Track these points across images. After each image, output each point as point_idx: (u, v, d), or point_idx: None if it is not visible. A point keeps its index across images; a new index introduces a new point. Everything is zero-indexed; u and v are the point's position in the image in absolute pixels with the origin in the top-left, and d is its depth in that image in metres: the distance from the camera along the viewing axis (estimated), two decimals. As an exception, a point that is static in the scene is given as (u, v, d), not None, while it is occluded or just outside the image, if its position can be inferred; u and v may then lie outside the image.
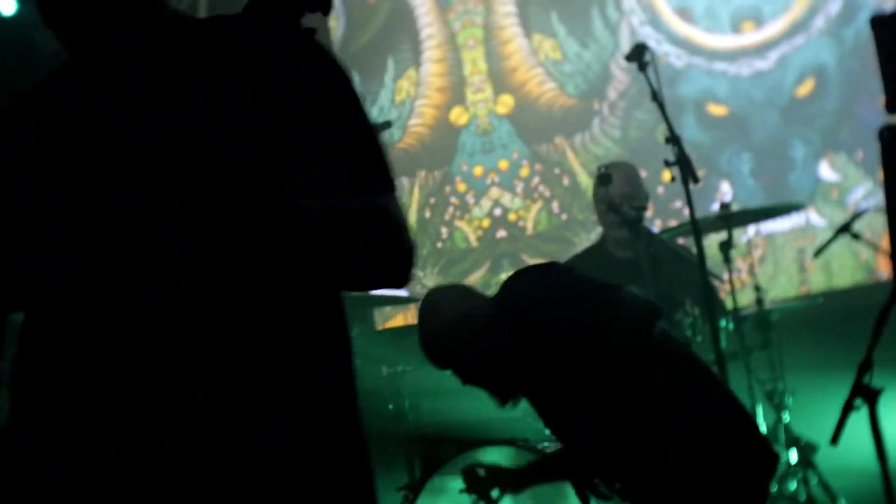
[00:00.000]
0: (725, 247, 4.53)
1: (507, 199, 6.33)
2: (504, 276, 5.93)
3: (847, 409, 2.58)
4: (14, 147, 1.55)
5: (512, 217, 6.33)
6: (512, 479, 3.39)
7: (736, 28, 6.05)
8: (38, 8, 1.57)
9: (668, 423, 2.91)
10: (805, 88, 5.95)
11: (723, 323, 4.35)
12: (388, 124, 4.80)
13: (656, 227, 5.68)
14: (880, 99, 1.94)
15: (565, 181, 6.27)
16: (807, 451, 4.49)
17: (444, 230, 6.40)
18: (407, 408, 4.23)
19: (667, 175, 3.99)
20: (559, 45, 6.30)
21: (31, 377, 1.53)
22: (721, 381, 3.09)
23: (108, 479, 1.49)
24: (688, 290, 4.11)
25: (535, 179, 6.31)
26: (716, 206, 4.71)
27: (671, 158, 3.93)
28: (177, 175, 1.46)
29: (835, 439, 2.60)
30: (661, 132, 4.05)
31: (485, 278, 6.25)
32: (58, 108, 1.56)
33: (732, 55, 6.04)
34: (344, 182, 1.61)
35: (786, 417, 4.52)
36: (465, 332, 3.10)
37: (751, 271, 5.30)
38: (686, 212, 4.02)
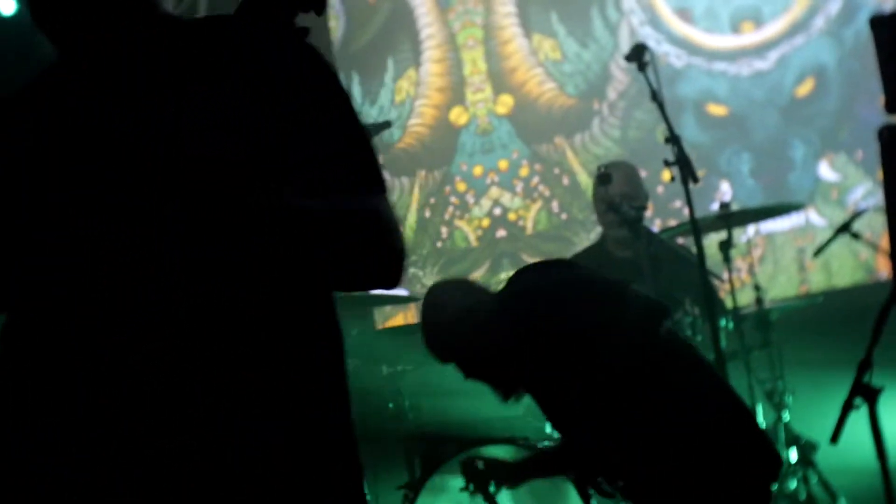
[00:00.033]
0: (725, 246, 4.54)
1: (506, 198, 6.34)
2: (504, 276, 5.93)
3: (847, 408, 2.59)
4: (14, 147, 1.55)
5: (512, 217, 6.33)
6: (510, 473, 3.36)
7: (735, 28, 6.06)
8: (28, 8, 1.57)
9: (670, 424, 2.90)
10: (805, 88, 5.95)
11: (722, 322, 4.35)
12: (387, 124, 4.81)
13: (656, 226, 5.69)
14: (880, 99, 1.95)
15: (565, 181, 6.27)
16: (807, 449, 4.49)
17: (443, 230, 6.41)
18: (407, 407, 4.24)
19: (666, 175, 3.99)
20: (559, 45, 6.30)
21: (24, 377, 1.52)
22: (725, 382, 3.07)
23: (108, 479, 1.49)
24: (687, 289, 4.12)
25: (535, 179, 6.31)
26: (715, 206, 4.72)
27: (671, 158, 3.94)
28: (177, 175, 1.46)
29: (835, 438, 2.60)
30: (661, 132, 4.06)
31: (485, 278, 6.26)
32: (58, 108, 1.56)
33: (732, 55, 6.05)
34: (339, 183, 1.62)
35: (786, 416, 4.53)
36: (468, 328, 3.09)
37: (750, 271, 5.31)
38: (686, 211, 4.02)
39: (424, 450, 4.02)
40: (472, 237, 6.37)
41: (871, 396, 2.57)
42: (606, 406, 2.92)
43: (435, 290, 3.29)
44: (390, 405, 4.26)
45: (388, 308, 6.24)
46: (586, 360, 2.92)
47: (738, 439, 2.93)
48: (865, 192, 5.81)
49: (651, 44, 5.59)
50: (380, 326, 6.12)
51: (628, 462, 2.97)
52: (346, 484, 1.64)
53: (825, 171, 5.91)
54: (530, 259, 6.18)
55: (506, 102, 6.38)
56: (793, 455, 4.42)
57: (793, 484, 4.35)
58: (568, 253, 5.41)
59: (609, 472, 2.98)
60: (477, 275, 6.31)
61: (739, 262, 5.66)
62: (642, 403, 2.90)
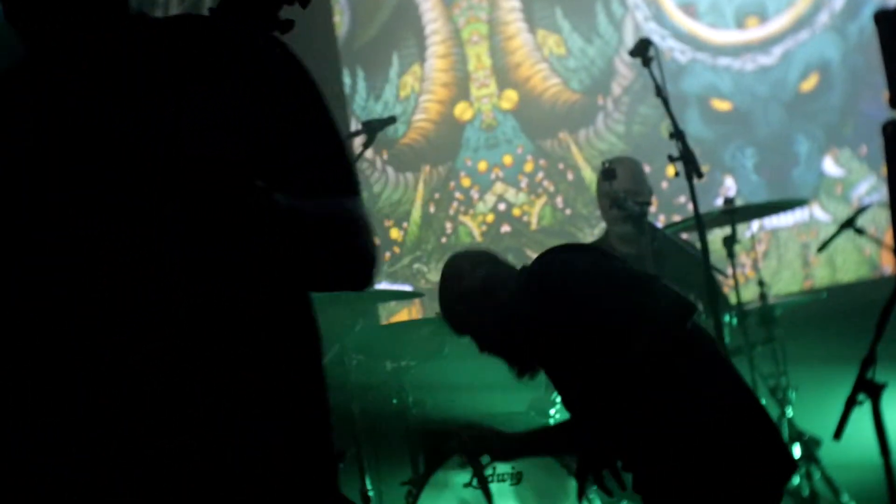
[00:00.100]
0: (729, 242, 4.54)
1: (511, 194, 6.34)
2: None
3: (850, 403, 2.59)
4: (14, 147, 1.55)
5: (516, 212, 6.33)
6: (505, 448, 3.26)
7: (740, 23, 6.05)
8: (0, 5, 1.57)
9: (686, 421, 2.83)
10: (809, 84, 5.95)
11: (726, 318, 4.36)
12: (392, 119, 4.80)
13: (660, 222, 5.69)
14: (884, 94, 1.95)
15: (569, 176, 6.27)
16: (810, 445, 4.49)
17: (448, 225, 6.41)
18: (410, 402, 4.24)
19: (670, 170, 3.99)
20: (563, 41, 6.30)
21: (24, 377, 1.52)
22: (743, 381, 3.01)
23: (108, 479, 1.49)
24: (691, 285, 4.11)
25: (540, 174, 6.31)
26: (720, 201, 4.72)
27: (675, 153, 3.94)
28: (177, 175, 1.47)
29: (838, 434, 2.60)
30: (665, 127, 4.06)
31: (489, 273, 6.25)
32: (58, 107, 1.56)
33: (736, 50, 6.04)
34: (317, 184, 1.63)
35: (789, 412, 4.53)
36: (485, 302, 3.02)
37: (754, 266, 5.31)
38: (690, 207, 4.02)
39: (427, 446, 4.02)
40: (476, 232, 6.37)
41: (874, 392, 2.57)
42: (621, 399, 2.87)
43: (455, 260, 3.20)
44: (394, 401, 4.26)
45: (392, 304, 6.24)
46: (605, 352, 2.85)
47: (753, 439, 2.88)
48: (870, 188, 5.80)
49: (655, 39, 5.57)
50: (384, 322, 6.12)
51: (641, 456, 2.94)
52: (333, 482, 1.66)
53: (829, 166, 5.90)
54: (534, 255, 6.18)
55: (510, 98, 6.38)
56: (796, 451, 4.42)
57: (796, 480, 4.35)
58: (572, 248, 5.40)
59: (613, 464, 2.93)
60: (481, 270, 6.30)
61: (743, 258, 5.66)
62: (658, 399, 2.84)
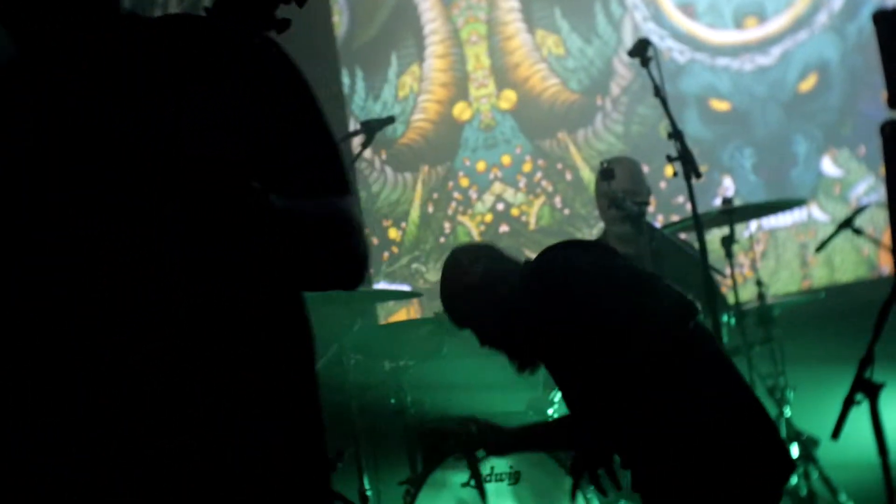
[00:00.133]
0: (727, 242, 4.54)
1: (509, 194, 6.34)
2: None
3: (848, 403, 2.59)
4: (14, 147, 1.55)
5: (514, 212, 6.33)
6: (502, 442, 3.24)
7: (739, 24, 6.05)
8: None
9: (686, 422, 2.82)
10: (807, 84, 5.95)
11: (724, 318, 4.36)
12: (391, 119, 4.80)
13: (658, 222, 5.69)
14: (882, 94, 1.95)
15: (568, 176, 6.27)
16: (808, 445, 4.50)
17: (446, 225, 6.41)
18: (409, 402, 4.24)
19: (669, 170, 4.00)
20: (562, 41, 6.30)
21: (24, 377, 1.52)
22: (745, 382, 2.99)
23: (108, 479, 1.49)
24: (690, 285, 4.11)
25: (538, 174, 6.32)
26: (718, 202, 4.72)
27: (673, 154, 3.94)
28: (177, 175, 1.47)
29: (836, 434, 2.60)
30: (664, 127, 4.06)
31: (487, 273, 6.26)
32: (58, 107, 1.56)
33: (735, 51, 6.05)
34: (311, 185, 1.64)
35: (787, 412, 4.53)
36: (486, 297, 3.02)
37: (753, 266, 5.31)
38: (688, 207, 4.02)
39: (426, 445, 4.02)
40: (474, 232, 6.37)
41: (872, 392, 2.57)
42: (621, 399, 2.86)
43: (457, 253, 3.19)
44: (392, 400, 4.26)
45: (390, 303, 6.24)
46: (606, 351, 2.84)
47: (753, 439, 2.87)
48: (868, 188, 5.81)
49: (654, 39, 5.58)
50: (382, 322, 6.13)
51: (640, 456, 2.93)
52: (328, 482, 1.66)
53: (828, 166, 5.91)
54: (533, 255, 6.18)
55: (509, 98, 6.38)
56: (794, 451, 4.43)
57: (794, 480, 4.36)
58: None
59: (609, 463, 2.92)
60: (479, 270, 6.30)
61: (742, 258, 5.67)
62: (658, 399, 2.83)
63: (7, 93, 1.58)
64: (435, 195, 6.44)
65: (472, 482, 3.52)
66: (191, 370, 1.52)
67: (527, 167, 6.33)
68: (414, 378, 4.37)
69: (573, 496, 2.95)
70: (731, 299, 4.58)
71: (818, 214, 5.89)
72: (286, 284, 1.64)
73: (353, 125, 6.26)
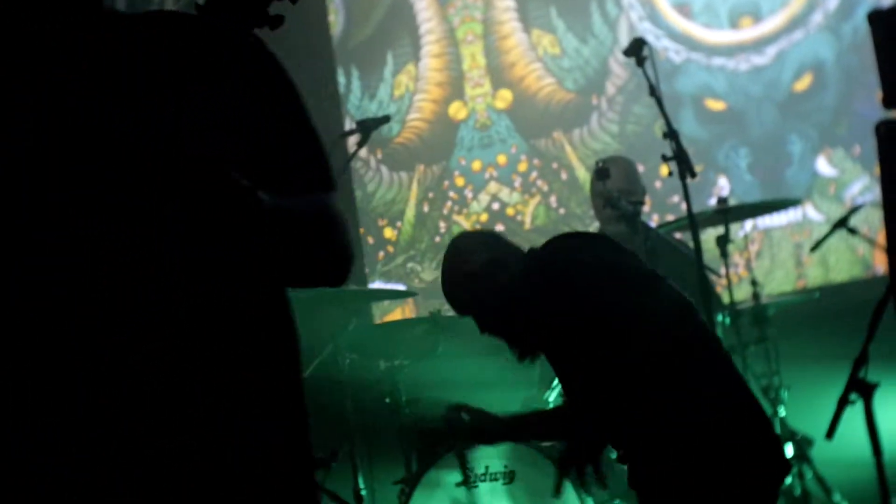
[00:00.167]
0: (722, 241, 4.55)
1: (505, 193, 6.34)
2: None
3: (842, 403, 2.59)
4: (14, 147, 1.55)
5: (510, 211, 6.33)
6: (493, 430, 3.24)
7: (734, 23, 6.06)
8: None
9: (686, 421, 2.80)
10: (803, 84, 5.96)
11: (719, 317, 4.37)
12: (386, 119, 4.80)
13: (654, 221, 5.69)
14: (877, 94, 1.95)
15: (563, 176, 6.27)
16: (802, 445, 4.51)
17: (442, 224, 6.41)
18: (404, 401, 4.24)
19: (664, 170, 4.00)
20: (558, 41, 6.30)
21: (24, 377, 1.52)
22: (744, 382, 2.98)
23: (108, 479, 1.49)
24: (685, 284, 4.11)
25: (534, 174, 6.32)
26: (713, 201, 4.72)
27: (668, 153, 3.94)
28: (177, 175, 1.47)
29: (830, 433, 2.60)
30: (659, 127, 4.06)
31: (482, 272, 6.25)
32: (58, 107, 1.56)
33: (730, 50, 6.05)
34: (302, 182, 1.65)
35: (781, 412, 4.54)
36: (487, 284, 3.00)
37: (748, 266, 5.32)
38: (683, 206, 4.03)
39: (421, 444, 4.02)
40: (470, 232, 6.37)
41: (866, 392, 2.57)
42: (621, 397, 2.84)
43: (460, 239, 3.17)
44: (387, 400, 4.26)
45: (386, 303, 6.24)
46: (605, 346, 2.82)
47: (753, 439, 2.86)
48: (863, 188, 5.81)
49: (650, 39, 5.58)
50: (377, 321, 6.12)
51: (640, 454, 2.92)
52: (315, 482, 1.68)
53: (823, 166, 5.91)
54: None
55: (504, 97, 6.38)
56: (788, 450, 4.43)
57: (788, 479, 4.36)
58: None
59: (598, 460, 2.90)
60: (475, 269, 6.30)
61: (737, 257, 5.67)
62: (658, 398, 2.81)
63: (7, 93, 1.58)
64: (430, 194, 6.44)
65: (465, 478, 3.51)
66: (191, 370, 1.52)
67: (522, 167, 6.33)
68: (409, 377, 4.36)
69: (557, 490, 2.94)
70: (725, 299, 4.58)
71: (813, 214, 5.89)
72: (276, 282, 1.65)
73: (348, 124, 6.26)
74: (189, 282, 1.53)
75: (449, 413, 3.28)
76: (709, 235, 4.71)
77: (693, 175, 3.93)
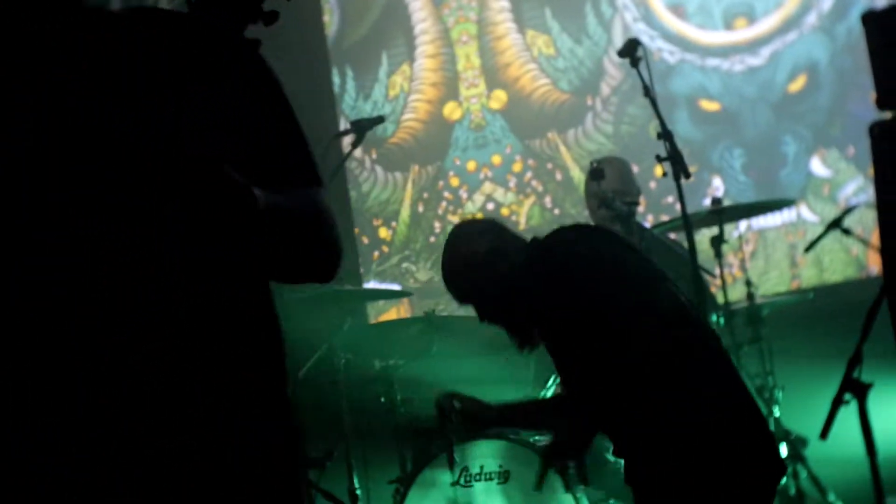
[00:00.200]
0: (717, 242, 4.55)
1: (499, 193, 6.34)
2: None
3: (837, 403, 2.59)
4: (14, 147, 1.55)
5: (504, 212, 6.34)
6: (482, 419, 3.24)
7: (728, 24, 6.07)
8: None
9: (685, 421, 2.79)
10: (797, 84, 5.97)
11: (713, 317, 4.37)
12: (381, 119, 4.80)
13: (648, 222, 5.70)
14: (871, 95, 1.96)
15: (558, 176, 6.28)
16: (797, 445, 4.51)
17: (436, 224, 6.41)
18: (399, 401, 4.24)
19: (658, 170, 4.00)
20: (552, 41, 6.31)
21: (24, 377, 1.52)
22: (742, 382, 2.97)
23: (108, 479, 1.49)
24: (679, 285, 4.12)
25: (528, 174, 6.32)
26: (708, 202, 4.73)
27: (663, 154, 3.94)
28: (177, 175, 1.47)
29: (824, 434, 2.61)
30: (654, 128, 4.07)
31: (477, 273, 6.26)
32: (58, 107, 1.56)
33: (725, 51, 6.06)
34: (291, 177, 1.65)
35: (776, 412, 4.54)
36: (488, 272, 2.98)
37: (742, 266, 5.32)
38: (678, 207, 4.03)
39: (415, 444, 4.03)
40: (464, 232, 6.37)
41: (860, 392, 2.57)
42: (620, 397, 2.83)
43: (462, 226, 3.15)
44: (382, 399, 4.26)
45: (380, 303, 6.24)
46: (603, 343, 2.82)
47: (753, 439, 2.86)
48: (857, 188, 5.83)
49: (644, 40, 5.59)
50: (372, 321, 6.12)
51: (639, 454, 2.91)
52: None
53: (817, 166, 5.92)
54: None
55: (499, 98, 6.38)
56: (783, 450, 4.44)
57: (783, 479, 4.37)
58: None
59: (582, 456, 2.89)
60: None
61: (731, 258, 5.68)
62: (656, 398, 2.80)
63: (7, 93, 1.58)
64: (425, 195, 6.44)
65: (462, 480, 3.51)
66: (191, 370, 1.52)
67: (517, 167, 6.33)
68: (404, 377, 4.36)
69: (540, 483, 2.95)
70: (720, 299, 4.59)
71: (807, 215, 5.90)
72: (265, 279, 1.65)
73: (343, 124, 6.26)
74: (189, 282, 1.53)
75: (441, 401, 3.29)
76: (703, 236, 4.72)
77: (687, 176, 3.93)
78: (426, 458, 3.88)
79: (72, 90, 1.57)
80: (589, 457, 3.74)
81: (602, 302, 2.84)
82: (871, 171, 2.12)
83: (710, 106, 6.08)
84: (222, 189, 1.48)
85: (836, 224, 4.99)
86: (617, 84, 6.17)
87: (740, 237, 5.30)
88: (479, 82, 6.41)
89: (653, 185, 5.87)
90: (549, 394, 4.03)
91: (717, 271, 4.52)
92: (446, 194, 6.41)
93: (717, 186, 5.95)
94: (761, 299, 4.76)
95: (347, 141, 5.11)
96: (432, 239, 6.40)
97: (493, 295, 3.02)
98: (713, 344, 2.99)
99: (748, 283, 4.71)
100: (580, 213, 6.04)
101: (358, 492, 4.31)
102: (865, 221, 5.46)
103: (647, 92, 3.99)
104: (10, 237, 1.52)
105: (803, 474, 4.53)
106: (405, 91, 6.49)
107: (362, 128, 4.63)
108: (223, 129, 1.57)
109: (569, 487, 3.00)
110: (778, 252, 5.95)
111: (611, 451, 3.71)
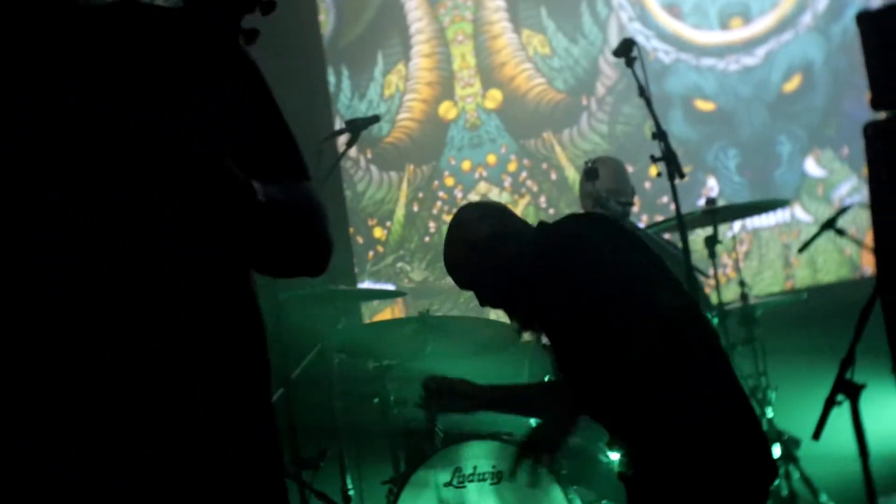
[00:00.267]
0: (711, 242, 4.56)
1: (494, 193, 6.34)
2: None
3: (829, 404, 2.60)
4: (14, 147, 1.55)
5: (499, 211, 6.33)
6: (468, 397, 3.22)
7: (724, 24, 6.07)
8: None
9: (683, 421, 2.77)
10: (792, 84, 5.97)
11: (707, 318, 4.37)
12: (376, 118, 4.80)
13: (642, 222, 5.70)
14: (866, 95, 1.95)
15: (553, 176, 6.28)
16: (789, 445, 4.51)
17: (431, 224, 6.41)
18: (392, 401, 4.23)
19: (653, 170, 4.01)
20: (548, 41, 6.30)
21: (24, 377, 1.52)
22: (738, 382, 2.95)
23: (107, 479, 1.49)
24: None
25: (523, 174, 6.32)
26: (702, 202, 4.73)
27: (658, 154, 3.94)
28: (177, 175, 1.47)
29: (817, 434, 2.61)
30: (649, 127, 4.07)
31: (472, 272, 6.25)
32: (58, 107, 1.56)
33: (720, 51, 6.06)
34: (280, 171, 1.66)
35: (769, 412, 4.54)
36: (491, 256, 2.93)
37: (736, 266, 5.33)
38: (672, 207, 4.03)
39: (409, 444, 4.02)
40: (459, 232, 6.36)
41: (853, 393, 2.58)
42: (620, 397, 2.82)
43: (466, 209, 3.09)
44: (376, 400, 4.25)
45: (375, 303, 6.24)
46: (604, 342, 2.79)
47: (750, 441, 2.85)
48: (851, 189, 5.83)
49: (640, 39, 5.60)
50: (367, 321, 6.12)
51: (639, 454, 2.89)
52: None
53: (811, 167, 5.93)
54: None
55: (494, 97, 6.38)
56: (776, 451, 4.44)
57: (776, 480, 4.37)
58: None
59: (556, 451, 2.88)
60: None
61: (725, 258, 5.68)
62: (656, 398, 2.79)
63: (7, 93, 1.58)
64: (420, 194, 6.43)
65: (455, 481, 3.51)
66: (191, 370, 1.52)
67: (512, 167, 6.33)
68: (398, 377, 4.36)
69: (514, 470, 2.95)
70: (714, 299, 4.59)
71: (801, 215, 5.91)
72: (250, 277, 1.65)
73: (338, 124, 6.25)
74: (189, 282, 1.54)
75: (428, 381, 3.27)
76: (697, 236, 4.72)
77: (682, 176, 3.93)
78: (420, 458, 3.87)
79: (72, 90, 1.57)
80: (581, 458, 3.75)
81: (603, 302, 2.81)
82: (865, 171, 2.11)
83: (704, 106, 6.08)
84: (223, 183, 1.48)
85: (830, 224, 4.99)
86: (612, 84, 6.16)
87: (734, 237, 5.31)
88: (475, 82, 6.41)
89: (647, 184, 5.87)
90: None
91: (710, 271, 4.52)
92: (441, 194, 6.40)
93: (712, 186, 5.95)
94: (755, 299, 4.76)
95: (342, 140, 5.10)
96: (427, 239, 6.39)
97: (493, 281, 2.97)
98: (713, 343, 2.97)
99: (742, 284, 4.71)
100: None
101: (351, 492, 4.31)
102: (859, 222, 5.46)
103: (642, 92, 3.99)
104: (10, 237, 1.52)
105: (796, 475, 4.53)
106: (400, 90, 6.49)
107: (357, 127, 4.63)
108: (222, 128, 1.57)
109: (535, 483, 3.01)
110: (772, 252, 5.96)
111: (604, 452, 3.72)
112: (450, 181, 6.40)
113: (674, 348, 2.80)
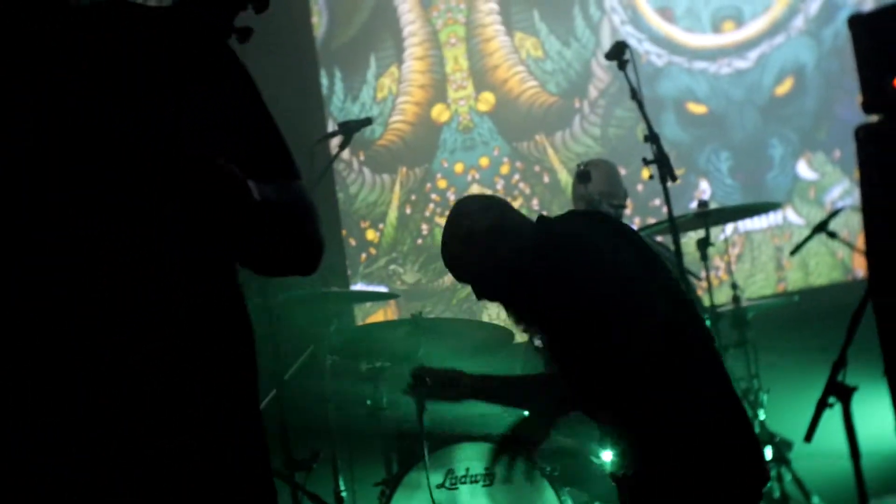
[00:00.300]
0: (703, 244, 4.56)
1: (487, 196, 6.34)
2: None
3: (821, 406, 2.60)
4: (14, 147, 1.55)
5: (492, 214, 6.33)
6: (456, 386, 3.22)
7: (716, 27, 6.08)
8: None
9: (681, 421, 2.76)
10: (784, 88, 5.99)
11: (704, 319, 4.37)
12: (369, 121, 4.80)
13: (635, 224, 5.71)
14: (858, 98, 1.96)
15: (545, 179, 6.28)
16: (781, 447, 4.52)
17: (424, 227, 6.41)
18: (385, 403, 4.23)
19: (645, 173, 4.01)
20: (541, 44, 6.31)
21: (24, 377, 1.52)
22: (731, 385, 2.95)
23: (107, 479, 1.50)
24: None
25: (516, 177, 6.32)
26: (694, 204, 4.74)
27: (650, 156, 3.95)
28: (177, 175, 1.47)
29: (809, 437, 2.62)
30: (641, 130, 4.08)
31: (464, 275, 6.25)
32: (58, 107, 1.56)
33: (712, 54, 6.07)
34: (272, 170, 1.66)
35: (761, 415, 4.55)
36: (487, 249, 2.91)
37: (728, 269, 5.33)
38: (664, 209, 4.04)
39: (401, 446, 4.02)
40: (452, 234, 6.36)
41: (845, 395, 2.59)
42: (620, 397, 2.82)
43: (464, 202, 3.07)
44: (368, 402, 4.25)
45: (367, 305, 6.24)
46: (604, 343, 2.78)
47: (748, 441, 2.85)
48: (843, 191, 5.84)
49: (632, 42, 5.62)
50: (359, 323, 6.12)
51: (638, 453, 2.89)
52: None
53: (803, 169, 5.94)
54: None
55: (487, 100, 6.38)
56: (768, 453, 4.45)
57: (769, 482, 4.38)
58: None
59: (534, 452, 2.90)
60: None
61: (717, 261, 5.69)
62: (653, 397, 2.78)
63: (7, 93, 1.58)
64: (413, 197, 6.44)
65: (447, 482, 3.52)
66: (190, 370, 1.53)
67: (504, 169, 6.33)
68: (390, 379, 4.36)
69: (493, 463, 2.96)
70: (706, 302, 4.60)
71: (793, 218, 5.92)
72: (236, 277, 1.66)
73: (331, 126, 6.25)
74: (189, 282, 1.54)
75: (416, 369, 3.27)
76: (689, 239, 4.73)
77: (674, 178, 3.94)
78: (412, 460, 3.87)
79: (71, 90, 1.57)
80: (574, 459, 3.76)
81: (602, 302, 2.80)
82: (856, 174, 2.12)
83: (697, 109, 6.09)
84: (222, 182, 1.48)
85: (821, 227, 5.00)
86: (604, 87, 6.17)
87: (726, 240, 5.30)
88: (468, 84, 6.42)
89: (640, 187, 5.88)
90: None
91: (703, 274, 4.53)
92: (434, 196, 6.40)
93: (704, 189, 5.96)
94: (747, 302, 4.77)
95: (335, 143, 5.10)
96: (420, 241, 6.39)
97: (490, 275, 2.95)
98: (710, 344, 2.98)
99: (734, 286, 4.72)
100: (567, 216, 6.04)
101: (343, 494, 4.30)
102: (851, 225, 5.48)
103: (635, 95, 3.99)
104: (10, 237, 1.52)
105: (788, 477, 4.54)
106: (393, 93, 6.49)
107: (350, 129, 4.63)
108: (221, 128, 1.58)
109: (506, 480, 3.04)
110: (764, 255, 5.97)
111: (596, 453, 3.72)
112: (442, 184, 6.40)
113: (673, 348, 2.80)
